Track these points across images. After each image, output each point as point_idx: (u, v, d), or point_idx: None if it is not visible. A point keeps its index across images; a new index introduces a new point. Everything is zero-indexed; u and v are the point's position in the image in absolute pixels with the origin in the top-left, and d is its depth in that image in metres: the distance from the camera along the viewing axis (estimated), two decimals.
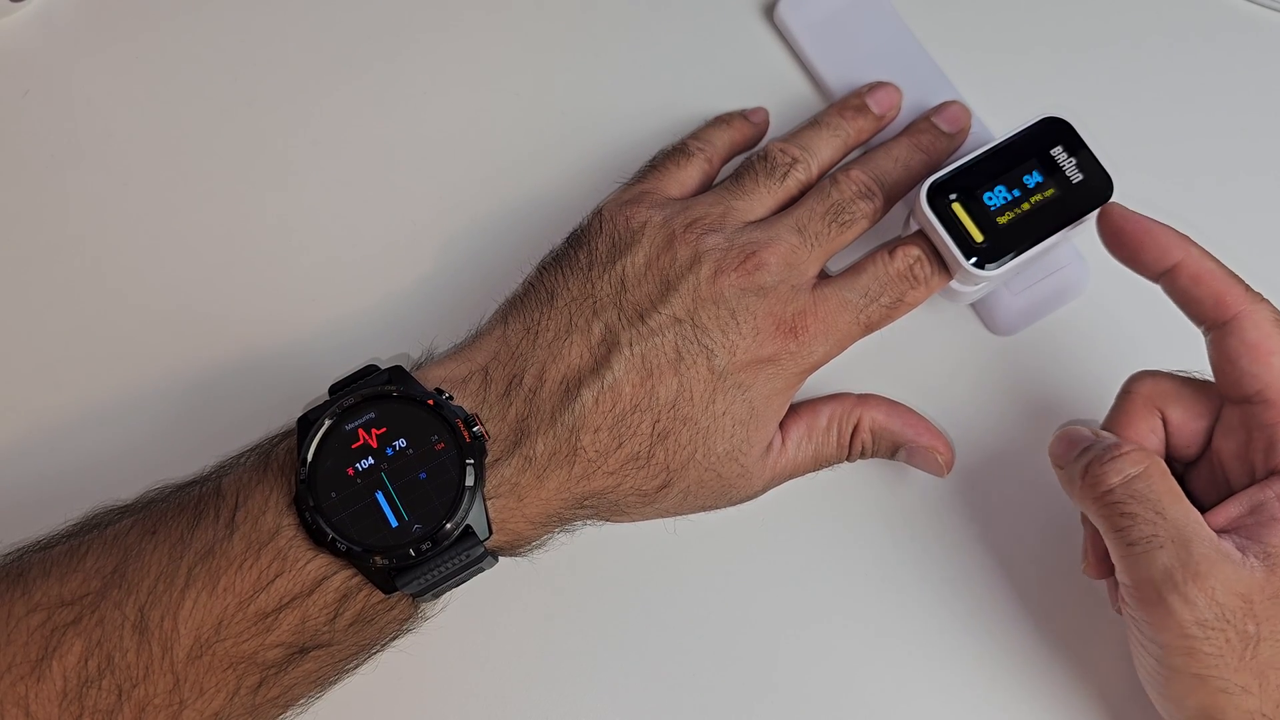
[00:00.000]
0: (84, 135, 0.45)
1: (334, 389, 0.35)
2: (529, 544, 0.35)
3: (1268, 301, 0.34)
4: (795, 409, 0.39)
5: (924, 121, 0.41)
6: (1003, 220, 0.37)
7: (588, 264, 0.37)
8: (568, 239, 0.39)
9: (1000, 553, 0.40)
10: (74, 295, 0.43)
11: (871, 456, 0.40)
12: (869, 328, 0.38)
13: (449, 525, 0.32)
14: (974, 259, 0.36)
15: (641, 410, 0.35)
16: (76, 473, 0.40)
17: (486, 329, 0.37)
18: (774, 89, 0.45)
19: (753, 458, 0.37)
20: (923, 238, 0.38)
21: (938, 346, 0.42)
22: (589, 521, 0.37)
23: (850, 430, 0.39)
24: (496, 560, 0.34)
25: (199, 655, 0.31)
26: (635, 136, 0.44)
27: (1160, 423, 0.35)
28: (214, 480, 0.34)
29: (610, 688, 0.39)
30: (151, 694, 0.31)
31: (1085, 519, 0.36)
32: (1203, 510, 0.32)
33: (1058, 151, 0.38)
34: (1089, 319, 0.42)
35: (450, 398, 0.34)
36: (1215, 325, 0.34)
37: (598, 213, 0.39)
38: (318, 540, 0.32)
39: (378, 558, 0.32)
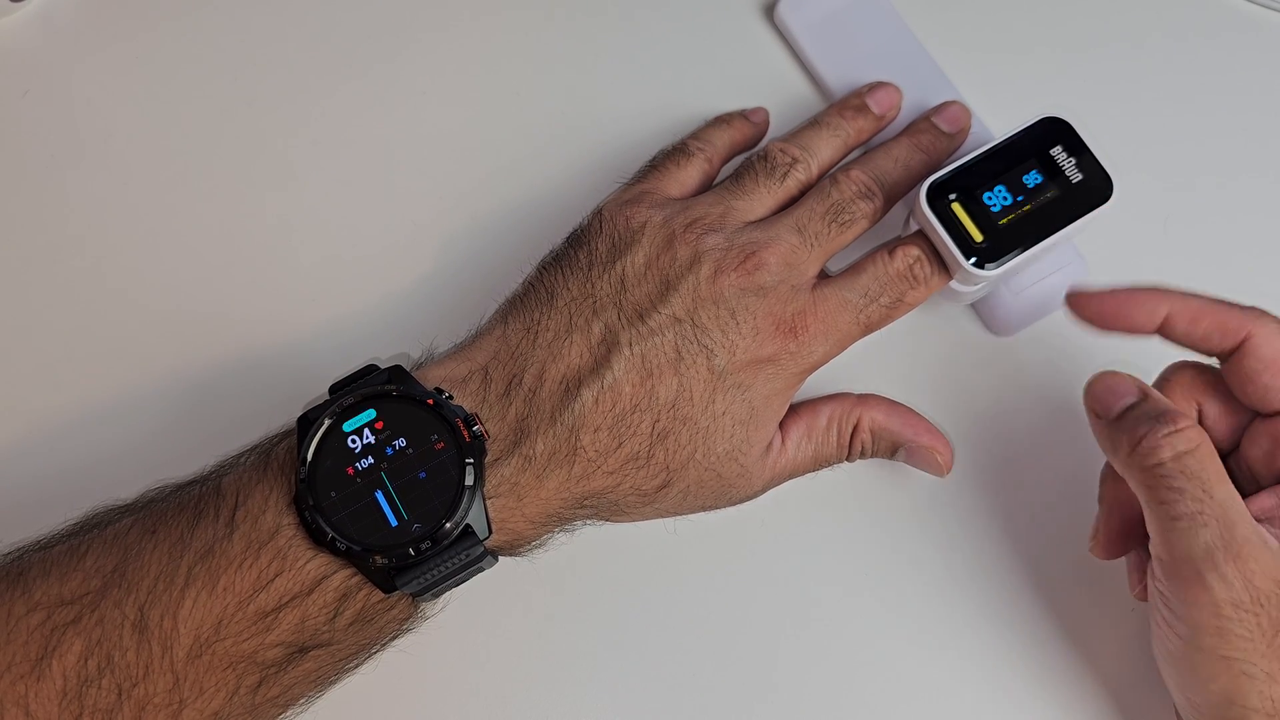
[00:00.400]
0: (84, 135, 0.45)
1: (334, 388, 0.35)
2: (529, 544, 0.35)
3: (1268, 313, 0.34)
4: (795, 409, 0.39)
5: (924, 121, 0.41)
6: (1002, 220, 0.37)
7: (588, 264, 0.37)
8: (568, 239, 0.39)
9: (1000, 552, 0.40)
10: (74, 295, 0.43)
11: (871, 456, 0.40)
12: (869, 328, 0.38)
13: (448, 525, 0.32)
14: (974, 259, 0.36)
15: (641, 410, 0.35)
16: (76, 473, 0.40)
17: (486, 329, 0.37)
18: (774, 89, 0.45)
19: (752, 458, 0.37)
20: (922, 238, 0.38)
21: (938, 346, 0.42)
22: (589, 521, 0.37)
23: (850, 430, 0.39)
24: (496, 560, 0.34)
25: (199, 654, 0.31)
26: (635, 136, 0.44)
27: (1197, 415, 0.35)
28: (214, 480, 0.34)
29: (610, 688, 0.39)
30: (151, 693, 0.31)
31: (1103, 501, 0.36)
32: None
33: (1058, 151, 0.38)
34: None
35: (450, 397, 0.34)
36: (1226, 354, 0.34)
37: (598, 213, 0.39)
38: (317, 540, 0.32)
39: (377, 557, 0.32)
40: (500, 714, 0.38)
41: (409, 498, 0.32)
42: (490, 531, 0.33)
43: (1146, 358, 0.36)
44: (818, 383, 0.39)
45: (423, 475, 0.33)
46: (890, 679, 0.39)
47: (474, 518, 0.33)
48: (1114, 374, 0.34)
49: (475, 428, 0.33)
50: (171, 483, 0.35)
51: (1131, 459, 0.32)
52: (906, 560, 0.40)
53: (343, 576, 0.32)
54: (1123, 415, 0.33)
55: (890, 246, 0.38)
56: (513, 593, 0.39)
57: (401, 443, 0.33)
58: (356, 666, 0.35)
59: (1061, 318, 0.42)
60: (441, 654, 0.38)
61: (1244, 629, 0.30)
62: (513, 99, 0.45)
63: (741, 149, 0.43)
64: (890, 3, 0.45)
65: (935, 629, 0.39)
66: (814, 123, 0.41)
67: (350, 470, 0.33)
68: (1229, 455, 0.36)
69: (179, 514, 0.33)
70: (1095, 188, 0.37)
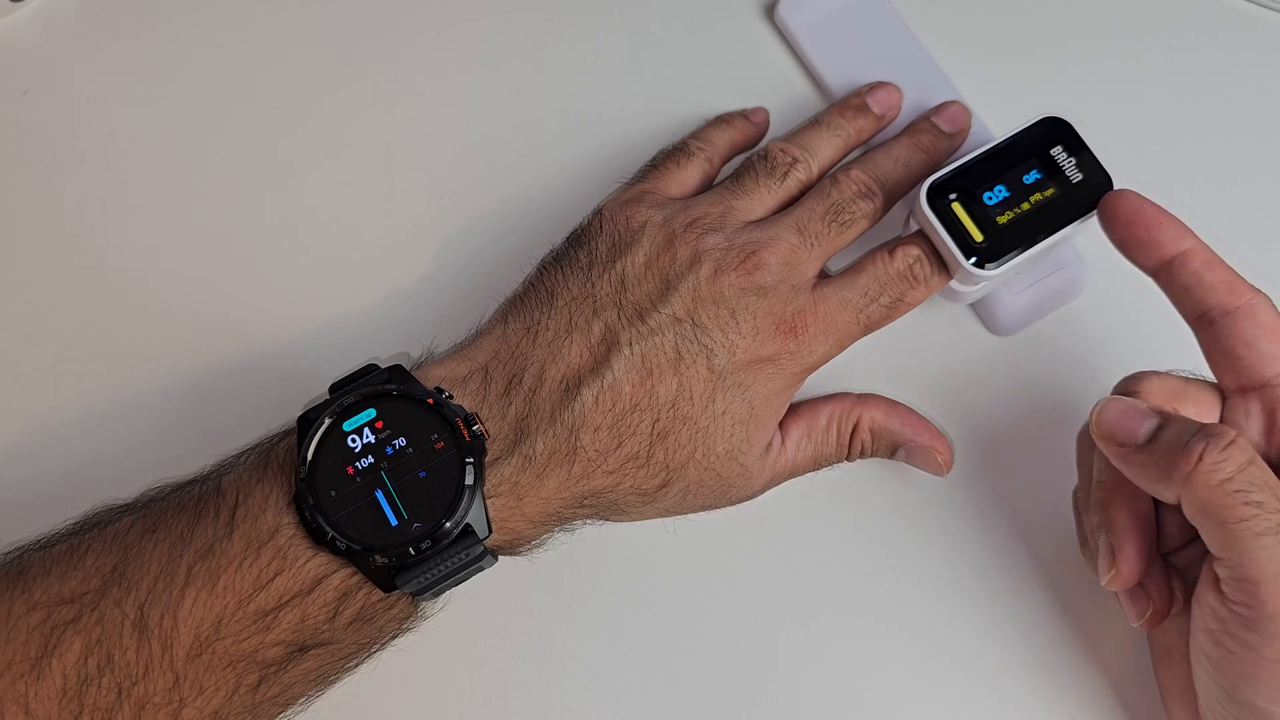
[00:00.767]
0: (84, 135, 0.45)
1: (334, 388, 0.35)
2: (529, 543, 0.35)
3: (1267, 294, 0.34)
4: (795, 409, 0.39)
5: (924, 121, 0.41)
6: (1002, 220, 0.37)
7: (588, 263, 0.37)
8: (568, 239, 0.39)
9: (1000, 552, 0.40)
10: (74, 295, 0.43)
11: (871, 456, 0.40)
12: (869, 327, 0.38)
13: (448, 524, 0.32)
14: (974, 259, 0.36)
15: (641, 409, 0.35)
16: (76, 473, 0.40)
17: (486, 328, 0.37)
18: (774, 89, 0.45)
19: (752, 457, 0.37)
20: (922, 237, 0.38)
21: (938, 346, 0.42)
22: (589, 521, 0.37)
23: (850, 430, 0.39)
24: (496, 559, 0.34)
25: (199, 653, 0.31)
26: (635, 136, 0.44)
27: None
28: (214, 479, 0.34)
29: (611, 688, 0.39)
30: (151, 692, 0.31)
31: (1113, 528, 0.34)
32: None
33: (1058, 151, 0.38)
34: (1089, 319, 0.42)
35: (450, 397, 0.34)
36: (1224, 312, 0.33)
37: (598, 212, 0.39)
38: (317, 539, 0.32)
39: (377, 556, 0.32)
40: (500, 714, 0.38)
41: (409, 497, 0.32)
42: (490, 531, 0.33)
43: (1148, 362, 0.36)
44: (818, 383, 0.39)
45: (423, 474, 0.33)
46: (890, 679, 0.39)
47: (474, 517, 0.33)
48: (1119, 400, 0.33)
49: (475, 427, 0.33)
50: (171, 482, 0.35)
51: (1194, 479, 0.30)
52: (906, 560, 0.40)
53: (343, 576, 0.32)
54: (1155, 438, 0.31)
55: (890, 246, 0.38)
56: (513, 593, 0.39)
57: (401, 442, 0.33)
58: (356, 666, 0.35)
59: (1061, 318, 0.42)
60: (441, 654, 0.38)
61: None
62: (512, 99, 0.45)
63: (742, 149, 0.43)
64: (890, 3, 0.45)
65: (935, 629, 0.39)
66: (814, 122, 0.42)
67: (350, 469, 0.33)
68: None
69: (179, 513, 0.33)
70: (1095, 187, 0.37)
